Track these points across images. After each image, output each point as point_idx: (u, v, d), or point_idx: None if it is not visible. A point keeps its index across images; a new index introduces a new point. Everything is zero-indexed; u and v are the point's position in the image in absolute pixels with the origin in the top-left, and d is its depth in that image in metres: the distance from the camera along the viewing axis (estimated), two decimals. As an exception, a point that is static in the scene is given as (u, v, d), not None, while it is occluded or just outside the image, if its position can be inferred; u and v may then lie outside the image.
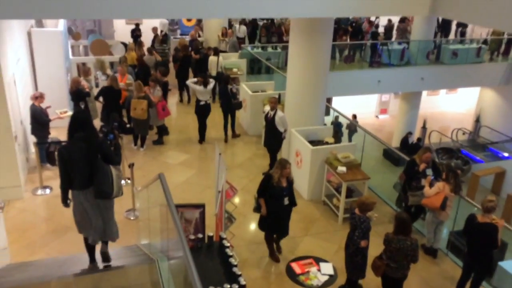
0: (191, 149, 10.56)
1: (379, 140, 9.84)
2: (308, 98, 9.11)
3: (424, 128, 19.80)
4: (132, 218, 7.79)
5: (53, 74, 10.53)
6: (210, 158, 10.12)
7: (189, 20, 19.09)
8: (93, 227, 4.83)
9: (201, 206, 6.41)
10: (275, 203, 6.31)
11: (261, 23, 18.87)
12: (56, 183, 8.75)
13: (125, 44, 14.90)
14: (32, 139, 9.09)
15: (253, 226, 7.73)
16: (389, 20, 20.73)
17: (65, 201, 4.85)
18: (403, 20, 20.00)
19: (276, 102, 8.87)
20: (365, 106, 22.26)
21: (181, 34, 18.73)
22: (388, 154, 14.04)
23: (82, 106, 9.63)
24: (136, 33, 16.05)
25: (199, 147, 10.70)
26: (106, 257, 5.05)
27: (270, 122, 8.78)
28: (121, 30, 17.70)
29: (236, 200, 7.98)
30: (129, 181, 8.67)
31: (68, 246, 6.94)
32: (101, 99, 10.12)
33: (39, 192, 8.41)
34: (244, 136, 11.32)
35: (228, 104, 10.60)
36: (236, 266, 3.90)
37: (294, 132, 8.80)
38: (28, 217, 7.73)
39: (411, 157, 7.57)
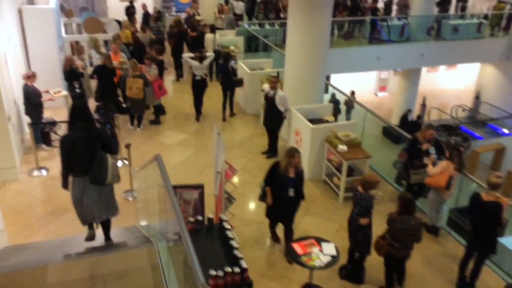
0: (188, 128, 10.40)
1: (378, 117, 9.71)
2: (307, 75, 8.91)
3: (423, 105, 19.63)
4: (130, 199, 7.68)
5: (46, 53, 10.27)
6: (208, 137, 9.98)
7: (184, -4, 18.65)
8: (94, 209, 4.97)
9: (199, 187, 6.32)
10: (279, 193, 5.94)
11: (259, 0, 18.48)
12: (51, 164, 8.64)
13: (119, 22, 14.58)
14: (26, 119, 8.90)
15: (252, 205, 7.64)
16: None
17: (65, 186, 5.05)
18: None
19: (277, 81, 8.67)
20: (364, 83, 22.04)
21: (176, 12, 18.33)
22: (387, 132, 13.94)
23: (77, 86, 9.41)
24: (130, 11, 15.68)
25: (196, 127, 10.54)
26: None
27: (270, 101, 8.60)
28: (114, 7, 17.30)
29: (235, 180, 7.87)
30: (126, 162, 8.54)
31: (66, 228, 6.85)
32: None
33: (35, 173, 8.27)
34: (242, 115, 11.15)
35: (228, 81, 10.39)
36: (237, 249, 3.80)
37: (293, 110, 8.63)
38: (25, 198, 7.62)
39: (412, 134, 7.44)
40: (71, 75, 9.51)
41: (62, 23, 13.57)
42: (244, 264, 3.56)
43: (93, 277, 3.75)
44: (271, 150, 9.19)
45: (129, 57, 10.71)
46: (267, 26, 16.25)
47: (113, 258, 4.13)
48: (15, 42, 9.17)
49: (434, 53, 17.20)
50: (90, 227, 5.22)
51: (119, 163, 8.62)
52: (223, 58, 10.49)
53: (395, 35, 17.24)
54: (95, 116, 10.46)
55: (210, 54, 10.54)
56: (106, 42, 12.63)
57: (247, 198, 7.84)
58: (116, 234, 5.64)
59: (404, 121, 17.26)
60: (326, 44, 8.96)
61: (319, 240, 5.27)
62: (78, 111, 4.74)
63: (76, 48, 10.21)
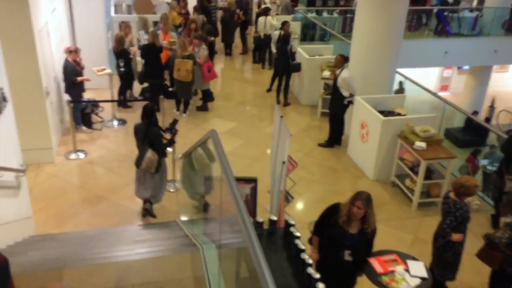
0: (238, 117, 9.48)
1: (463, 112, 8.52)
2: (376, 66, 7.82)
3: (492, 107, 17.85)
4: (172, 190, 6.84)
5: (92, 30, 9.64)
6: (259, 127, 9.03)
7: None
8: (141, 188, 6.01)
9: (252, 181, 5.36)
10: (330, 251, 3.89)
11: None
12: (91, 147, 7.96)
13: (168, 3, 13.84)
14: (67, 98, 8.25)
15: (309, 206, 6.61)
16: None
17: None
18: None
19: (342, 60, 7.61)
20: (424, 82, 20.40)
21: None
22: (450, 134, 12.55)
23: (122, 64, 8.69)
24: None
25: (247, 115, 9.60)
26: (149, 213, 6.13)
27: (334, 82, 7.64)
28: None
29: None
30: (169, 149, 7.73)
31: (99, 219, 6.10)
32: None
33: (72, 156, 7.60)
34: (297, 105, 10.11)
35: (285, 65, 9.41)
36: (310, 265, 2.79)
37: (359, 100, 7.52)
38: (59, 183, 6.93)
39: (510, 133, 6.18)
40: (122, 55, 8.80)
41: (112, 3, 13.00)
42: (321, 287, 2.56)
43: (120, 289, 2.89)
44: (328, 140, 8.23)
45: (179, 37, 9.90)
46: (324, 14, 15.12)
47: (146, 264, 3.24)
48: (60, 15, 8.56)
49: (509, 49, 15.47)
50: (144, 203, 6.10)
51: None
52: (282, 39, 9.49)
53: (466, 28, 15.66)
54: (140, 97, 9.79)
55: None
56: (155, 23, 11.91)
57: (304, 197, 6.83)
58: (152, 230, 4.79)
59: (470, 123, 15.67)
60: (401, 30, 7.82)
61: (403, 257, 4.17)
62: (144, 111, 5.77)
63: (124, 28, 9.51)
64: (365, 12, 7.70)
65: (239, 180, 5.41)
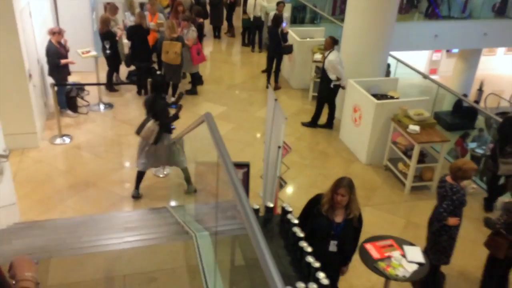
0: (228, 101, 9.30)
1: (454, 93, 8.55)
2: (369, 48, 7.68)
3: (480, 90, 17.89)
4: (161, 176, 6.68)
5: (76, 11, 9.30)
6: (250, 111, 8.87)
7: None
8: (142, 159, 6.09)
9: (245, 166, 5.26)
10: (315, 242, 3.31)
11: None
12: (77, 132, 7.73)
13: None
14: (51, 81, 7.98)
15: (302, 192, 6.51)
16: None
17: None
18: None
19: (331, 42, 7.50)
20: (413, 65, 20.35)
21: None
22: (439, 118, 12.52)
23: (107, 46, 8.42)
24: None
25: (237, 99, 9.43)
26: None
27: (322, 65, 7.56)
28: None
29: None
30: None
31: (86, 205, 5.93)
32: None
33: (58, 141, 7.38)
34: (288, 89, 9.95)
35: (276, 47, 9.21)
36: (310, 253, 2.69)
37: (352, 83, 7.39)
38: (44, 168, 6.73)
39: (506, 114, 6.13)
40: (107, 37, 8.52)
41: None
42: (323, 279, 2.45)
43: (110, 280, 2.74)
44: (312, 120, 8.24)
45: (167, 19, 9.63)
46: (315, -5, 14.88)
47: (137, 253, 3.10)
48: (41, -5, 8.23)
49: (499, 32, 15.41)
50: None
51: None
52: (273, 21, 9.28)
53: (456, 10, 15.57)
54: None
55: None
56: (141, 5, 11.58)
57: (297, 182, 6.73)
58: (141, 217, 4.65)
59: (459, 106, 15.69)
60: (394, 11, 7.70)
61: (399, 242, 4.10)
62: (153, 84, 5.93)
63: (109, 8, 9.20)
64: None
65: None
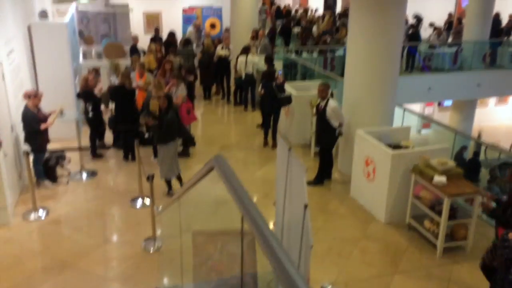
0: (223, 162, 8.51)
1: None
2: (377, 94, 7.16)
3: (478, 143, 17.42)
4: (151, 251, 5.71)
5: (57, 75, 8.68)
6: (250, 171, 8.09)
7: (213, 27, 17.40)
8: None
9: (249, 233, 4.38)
10: None
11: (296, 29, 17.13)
12: (54, 204, 6.81)
13: (144, 52, 13.13)
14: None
15: (318, 259, 5.56)
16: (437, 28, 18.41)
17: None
18: (460, 21, 17.94)
19: (327, 89, 7.02)
20: (406, 120, 20.05)
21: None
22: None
23: (90, 108, 7.72)
24: (156, 39, 14.28)
25: (233, 160, 8.65)
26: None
27: (320, 114, 6.93)
28: (139, 39, 16.04)
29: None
30: (147, 201, 6.71)
31: (62, 292, 4.90)
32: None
33: (32, 216, 6.43)
34: (287, 147, 9.23)
35: (272, 102, 8.61)
36: None
37: (362, 133, 6.71)
38: (13, 250, 5.72)
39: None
40: (86, 96, 7.87)
41: (80, 50, 12.20)
42: None
43: None
44: (317, 177, 7.43)
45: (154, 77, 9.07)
46: (304, 54, 14.70)
47: None
48: (18, 58, 7.62)
49: (492, 82, 15.32)
50: None
51: (139, 202, 6.80)
52: (267, 76, 8.75)
53: (447, 63, 15.53)
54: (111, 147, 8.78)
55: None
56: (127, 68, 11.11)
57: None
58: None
59: (460, 159, 15.12)
60: (399, 50, 7.21)
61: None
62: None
63: (92, 78, 8.58)
64: (358, 23, 7.08)
65: (235, 231, 4.46)
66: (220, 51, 11.49)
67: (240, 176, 7.45)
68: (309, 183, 7.42)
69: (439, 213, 5.56)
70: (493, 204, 4.98)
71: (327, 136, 7.19)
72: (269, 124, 8.93)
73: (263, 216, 1.60)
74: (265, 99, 8.82)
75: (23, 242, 5.91)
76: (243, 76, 10.93)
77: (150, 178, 5.61)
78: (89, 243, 5.86)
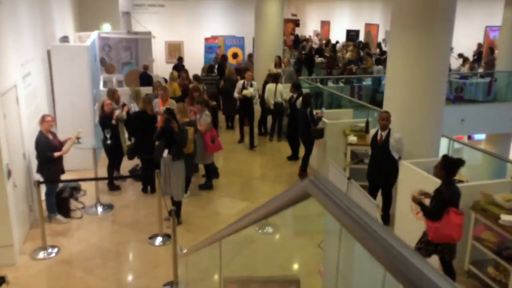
0: (250, 195, 7.85)
1: None
2: (419, 120, 6.43)
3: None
4: (172, 298, 4.99)
5: (76, 100, 8.24)
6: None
7: (235, 56, 17.07)
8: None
9: (293, 283, 3.70)
10: None
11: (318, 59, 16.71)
12: (66, 241, 6.18)
13: (165, 80, 12.76)
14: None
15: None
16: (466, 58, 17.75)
17: None
18: (492, 51, 17.30)
19: (389, 118, 6.16)
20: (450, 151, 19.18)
21: (226, 73, 16.63)
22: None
23: (108, 135, 7.18)
24: (179, 67, 13.94)
25: (260, 192, 7.97)
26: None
27: (381, 147, 6.08)
28: (160, 68, 15.80)
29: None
30: (169, 240, 6.05)
31: None
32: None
33: (40, 255, 5.79)
34: (318, 180, 8.51)
35: (306, 132, 7.97)
36: None
37: (409, 165, 5.98)
38: (18, 293, 5.07)
39: None
40: (104, 122, 7.37)
41: (101, 78, 11.87)
42: None
43: None
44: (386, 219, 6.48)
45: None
46: (330, 83, 14.16)
47: None
48: (36, 82, 7.19)
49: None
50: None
51: (158, 239, 6.13)
52: (303, 101, 8.15)
53: (480, 94, 14.84)
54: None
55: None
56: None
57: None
58: None
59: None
60: (445, 76, 6.57)
61: None
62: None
63: (113, 96, 8.14)
64: (399, 45, 6.46)
65: (274, 281, 3.80)
66: (245, 91, 9.99)
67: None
68: None
69: (508, 258, 4.74)
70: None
71: (388, 172, 6.24)
72: (307, 152, 8.23)
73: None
74: (297, 126, 8.21)
75: (29, 284, 5.25)
76: (271, 105, 10.33)
77: (173, 213, 4.96)
78: (102, 286, 5.18)
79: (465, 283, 5.28)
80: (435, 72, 6.24)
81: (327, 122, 8.29)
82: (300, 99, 8.34)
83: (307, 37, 24.22)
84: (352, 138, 7.67)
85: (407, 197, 5.95)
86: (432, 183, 5.48)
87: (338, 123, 8.33)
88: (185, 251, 4.61)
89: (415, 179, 5.85)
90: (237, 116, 11.12)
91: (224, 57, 14.37)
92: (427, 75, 6.24)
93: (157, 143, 6.64)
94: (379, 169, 6.20)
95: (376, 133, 6.26)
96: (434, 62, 6.20)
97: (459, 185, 5.56)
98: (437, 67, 6.25)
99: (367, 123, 7.98)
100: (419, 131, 6.40)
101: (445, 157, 4.86)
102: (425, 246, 4.78)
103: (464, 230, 5.30)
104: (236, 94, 10.13)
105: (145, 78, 11.44)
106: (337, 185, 2.70)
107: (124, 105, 8.09)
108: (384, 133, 6.11)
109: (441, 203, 4.47)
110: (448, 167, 4.60)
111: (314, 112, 8.09)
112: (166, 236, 6.17)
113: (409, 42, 6.27)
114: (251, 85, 10.11)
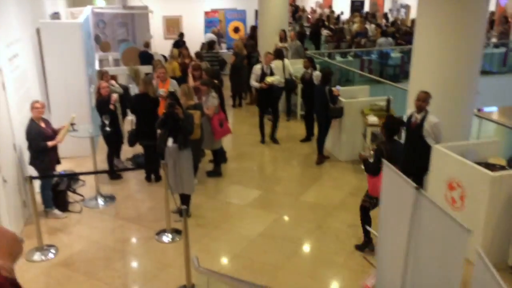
0: (263, 182, 7.27)
1: None
2: (452, 97, 5.78)
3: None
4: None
5: (70, 83, 7.56)
6: (294, 194, 6.79)
7: (236, 31, 16.24)
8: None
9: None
10: None
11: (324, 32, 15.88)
12: (66, 238, 5.62)
13: (165, 57, 12.02)
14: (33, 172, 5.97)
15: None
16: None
17: None
18: (507, 20, 16.49)
19: (427, 99, 5.45)
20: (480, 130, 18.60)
21: (226, 48, 15.86)
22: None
23: (107, 122, 6.54)
24: (180, 44, 13.16)
25: (274, 179, 7.39)
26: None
27: (414, 131, 5.45)
28: (159, 45, 15.01)
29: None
30: (178, 237, 5.50)
31: None
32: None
33: (36, 256, 5.23)
34: (334, 162, 7.94)
35: (324, 111, 7.35)
36: None
37: (442, 149, 5.37)
38: (12, 303, 4.51)
39: None
40: (101, 108, 6.73)
41: (96, 57, 11.14)
42: None
43: None
44: None
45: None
46: (337, 57, 13.44)
47: None
48: (24, 65, 6.50)
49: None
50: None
51: (167, 235, 5.58)
52: (322, 78, 7.50)
53: (494, 65, 14.16)
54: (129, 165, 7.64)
55: None
56: (147, 75, 9.97)
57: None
58: None
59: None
60: (480, 47, 5.87)
61: None
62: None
63: (106, 76, 7.46)
64: (432, 37, 5.74)
65: None
66: (270, 78, 8.40)
67: (283, 201, 6.02)
68: None
69: None
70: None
71: (421, 160, 5.55)
72: (322, 134, 7.64)
73: None
74: (315, 105, 7.61)
75: (24, 291, 4.70)
76: (281, 84, 9.62)
77: (184, 213, 4.38)
78: (106, 292, 4.66)
79: (509, 279, 4.75)
80: (473, 43, 5.57)
81: (344, 101, 7.64)
82: (315, 74, 7.69)
83: (301, 7, 23.10)
84: (373, 119, 7.06)
85: (442, 185, 5.38)
86: (476, 173, 4.90)
87: (356, 102, 7.68)
88: (201, 267, 4.02)
89: (450, 166, 5.25)
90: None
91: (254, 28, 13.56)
92: (464, 48, 5.57)
93: (159, 131, 5.98)
94: (410, 155, 5.52)
95: (411, 115, 5.61)
96: (472, 32, 5.51)
97: (506, 172, 4.99)
98: (475, 38, 5.58)
99: (388, 101, 7.35)
100: (454, 111, 5.76)
101: (389, 116, 5.46)
102: (369, 200, 5.10)
103: (507, 223, 4.77)
104: (255, 83, 8.46)
105: (146, 57, 10.72)
106: (394, 187, 2.06)
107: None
108: (419, 116, 5.45)
109: (378, 159, 4.58)
110: (391, 126, 4.91)
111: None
112: (175, 232, 5.61)
113: (442, 9, 5.57)
114: (271, 70, 8.61)
